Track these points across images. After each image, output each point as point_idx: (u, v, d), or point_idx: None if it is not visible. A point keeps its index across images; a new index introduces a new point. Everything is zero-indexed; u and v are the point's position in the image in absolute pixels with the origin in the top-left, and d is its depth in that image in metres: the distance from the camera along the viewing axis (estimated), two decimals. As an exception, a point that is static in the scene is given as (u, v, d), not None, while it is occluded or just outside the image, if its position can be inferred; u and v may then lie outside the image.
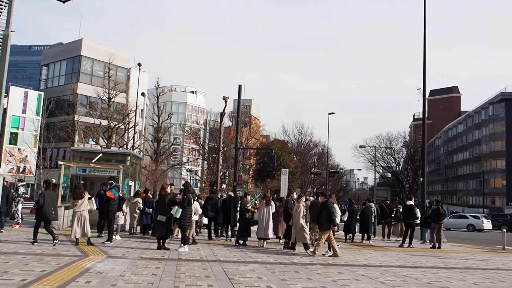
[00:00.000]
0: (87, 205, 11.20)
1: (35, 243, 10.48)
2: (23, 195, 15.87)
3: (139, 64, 38.62)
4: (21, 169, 44.30)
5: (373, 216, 17.63)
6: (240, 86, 22.66)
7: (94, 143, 34.24)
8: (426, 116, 21.22)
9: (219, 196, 15.75)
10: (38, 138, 41.13)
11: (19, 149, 45.97)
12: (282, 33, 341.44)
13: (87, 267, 7.72)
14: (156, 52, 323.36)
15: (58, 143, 40.11)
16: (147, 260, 8.97)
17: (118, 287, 6.29)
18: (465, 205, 71.88)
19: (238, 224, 13.97)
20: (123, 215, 13.40)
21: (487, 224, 34.65)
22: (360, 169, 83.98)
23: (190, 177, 61.70)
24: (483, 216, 36.53)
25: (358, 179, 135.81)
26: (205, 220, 15.32)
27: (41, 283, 6.24)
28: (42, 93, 48.10)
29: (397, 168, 76.36)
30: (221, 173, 38.63)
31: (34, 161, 44.14)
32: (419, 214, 16.35)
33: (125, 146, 34.24)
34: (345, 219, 16.69)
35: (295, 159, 62.37)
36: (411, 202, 15.93)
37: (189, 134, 58.50)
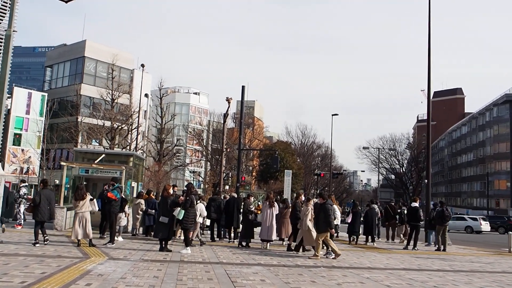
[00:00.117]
0: (88, 206, 11.12)
1: (37, 244, 10.41)
2: (25, 196, 15.82)
3: (143, 65, 38.62)
4: (24, 170, 44.30)
5: (377, 218, 17.49)
6: (243, 87, 22.60)
7: (98, 144, 34.24)
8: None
9: (222, 198, 15.64)
10: (41, 139, 41.21)
11: (22, 150, 45.97)
12: (284, 33, 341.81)
13: (88, 269, 7.62)
14: (159, 53, 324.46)
15: (61, 144, 40.13)
16: (149, 262, 8.87)
17: (119, 290, 6.19)
18: (469, 207, 71.51)
19: (241, 225, 13.86)
20: (125, 216, 13.31)
21: (485, 226, 34.64)
22: (364, 171, 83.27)
23: (193, 178, 61.65)
24: (481, 218, 36.55)
25: (361, 180, 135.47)
26: (207, 222, 15.22)
27: (41, 285, 6.15)
28: (46, 94, 48.12)
29: (401, 170, 76.04)
30: (224, 174, 38.52)
31: (38, 162, 44.09)
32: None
33: (128, 147, 34.21)
34: (349, 221, 16.58)
35: (299, 160, 62.24)
36: (416, 204, 15.77)
37: (192, 135, 58.46)
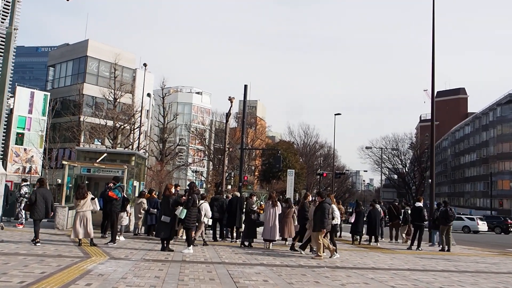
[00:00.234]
0: (90, 205, 11.03)
1: (37, 243, 10.33)
2: (26, 195, 15.75)
3: (145, 65, 38.62)
4: (27, 170, 44.37)
5: (380, 217, 17.35)
6: (245, 86, 22.47)
7: (100, 143, 34.21)
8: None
9: (225, 197, 15.55)
10: (44, 138, 41.18)
11: (25, 149, 46.07)
12: (287, 33, 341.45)
13: (88, 269, 7.53)
14: (161, 53, 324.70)
15: (64, 143, 40.15)
16: (151, 262, 8.77)
17: (119, 290, 6.10)
18: (472, 207, 71.22)
19: (243, 225, 13.76)
20: (127, 215, 13.23)
21: (482, 226, 34.65)
22: (366, 171, 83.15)
23: (196, 178, 61.60)
24: (478, 218, 36.57)
25: (364, 180, 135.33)
26: (209, 221, 15.12)
27: (40, 285, 6.06)
28: (48, 94, 48.22)
29: (404, 170, 75.72)
30: (227, 174, 38.45)
31: (40, 161, 44.19)
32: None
33: (130, 147, 34.18)
34: (352, 221, 16.46)
35: (301, 160, 62.12)
36: (420, 204, 15.64)
37: (194, 135, 58.42)
